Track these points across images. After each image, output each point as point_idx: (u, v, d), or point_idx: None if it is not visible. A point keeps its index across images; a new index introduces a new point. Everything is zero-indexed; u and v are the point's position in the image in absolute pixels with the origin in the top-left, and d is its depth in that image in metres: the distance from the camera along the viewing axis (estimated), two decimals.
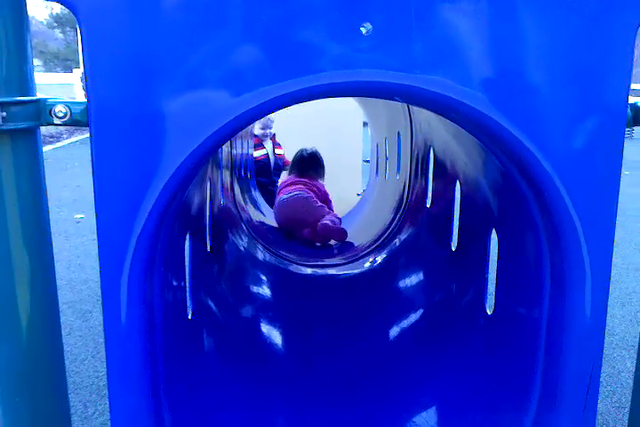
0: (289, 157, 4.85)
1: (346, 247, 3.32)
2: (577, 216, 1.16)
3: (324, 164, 4.12)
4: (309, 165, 4.00)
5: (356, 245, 3.26)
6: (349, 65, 1.05)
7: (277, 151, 5.21)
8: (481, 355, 1.63)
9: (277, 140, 5.23)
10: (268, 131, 5.05)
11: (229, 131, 1.09)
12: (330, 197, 4.06)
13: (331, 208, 3.97)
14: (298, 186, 3.83)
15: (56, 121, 1.07)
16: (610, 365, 2.68)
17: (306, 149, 4.10)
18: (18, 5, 1.05)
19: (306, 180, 3.92)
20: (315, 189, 3.89)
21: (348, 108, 4.94)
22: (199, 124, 1.06)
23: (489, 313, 1.64)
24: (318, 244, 3.50)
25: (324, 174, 4.12)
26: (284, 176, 5.04)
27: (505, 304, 1.54)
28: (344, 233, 3.45)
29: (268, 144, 5.13)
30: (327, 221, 3.50)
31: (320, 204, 3.72)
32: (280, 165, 5.23)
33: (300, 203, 3.63)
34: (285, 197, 3.71)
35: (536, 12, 1.07)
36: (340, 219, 3.71)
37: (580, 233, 1.17)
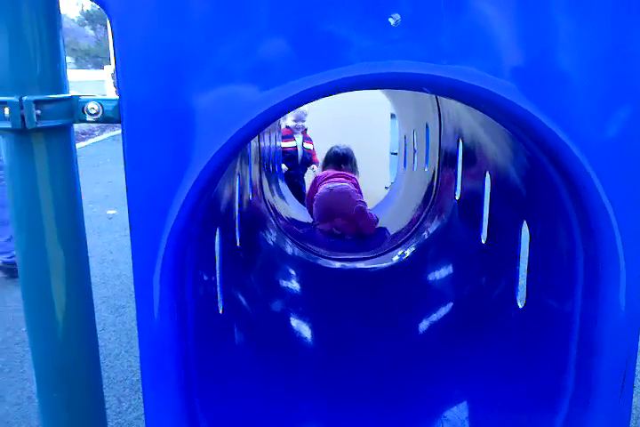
0: (318, 153, 4.86)
1: (374, 240, 3.31)
2: (610, 206, 1.14)
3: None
4: (345, 161, 4.07)
5: (384, 238, 3.25)
6: (379, 57, 1.05)
7: (306, 146, 5.22)
8: (512, 349, 1.61)
9: (308, 134, 5.23)
10: (300, 123, 5.06)
11: (259, 125, 1.09)
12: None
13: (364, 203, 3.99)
14: (341, 179, 3.89)
15: (89, 118, 1.09)
16: None
17: (339, 146, 4.17)
18: (51, 5, 1.06)
19: (345, 173, 3.98)
20: (355, 182, 3.94)
21: (376, 101, 4.91)
22: (229, 119, 1.06)
23: (520, 306, 1.62)
24: (349, 236, 3.51)
25: (358, 171, 4.17)
26: (315, 171, 5.08)
27: (537, 297, 1.52)
28: (374, 223, 3.47)
29: (299, 137, 5.14)
30: (364, 206, 3.54)
31: (360, 199, 3.75)
32: (308, 159, 5.23)
33: (344, 194, 3.68)
34: (330, 186, 3.75)
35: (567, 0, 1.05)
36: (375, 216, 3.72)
37: (614, 223, 1.15)
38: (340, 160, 4.08)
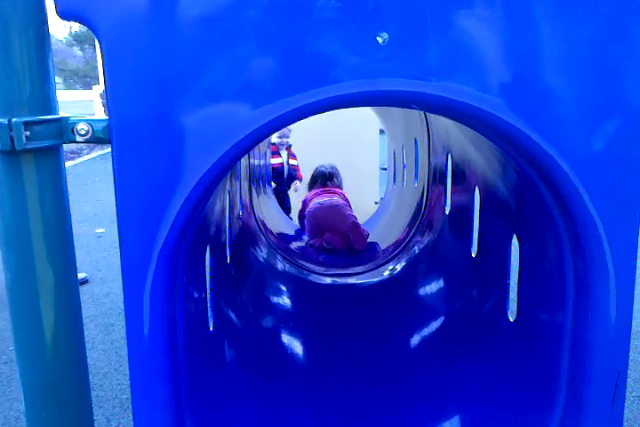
0: (307, 169, 4.90)
1: (366, 255, 3.31)
2: (599, 219, 1.15)
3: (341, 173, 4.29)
4: (330, 178, 4.20)
5: (374, 253, 3.25)
6: (367, 75, 1.06)
7: (292, 162, 5.27)
8: (504, 362, 1.61)
9: (293, 150, 5.29)
10: (285, 140, 5.14)
11: (249, 143, 1.09)
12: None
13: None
14: (329, 194, 3.98)
15: (78, 139, 1.09)
16: (635, 370, 2.64)
17: (324, 166, 4.30)
18: (40, 27, 1.07)
19: (332, 189, 4.09)
20: (344, 197, 3.99)
21: (365, 117, 4.95)
22: (219, 138, 1.07)
23: (511, 320, 1.62)
24: (340, 251, 3.52)
25: (342, 188, 4.29)
26: (297, 187, 5.15)
27: (528, 310, 1.52)
28: (365, 238, 3.50)
29: (284, 153, 5.19)
30: (356, 221, 3.59)
31: (350, 212, 3.80)
32: (292, 175, 5.29)
33: (334, 208, 3.74)
34: (321, 201, 3.83)
35: (553, 15, 1.06)
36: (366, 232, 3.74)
37: (603, 236, 1.15)
38: (327, 178, 4.21)
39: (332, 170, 4.26)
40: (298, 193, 5.16)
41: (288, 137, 5.15)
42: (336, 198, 3.88)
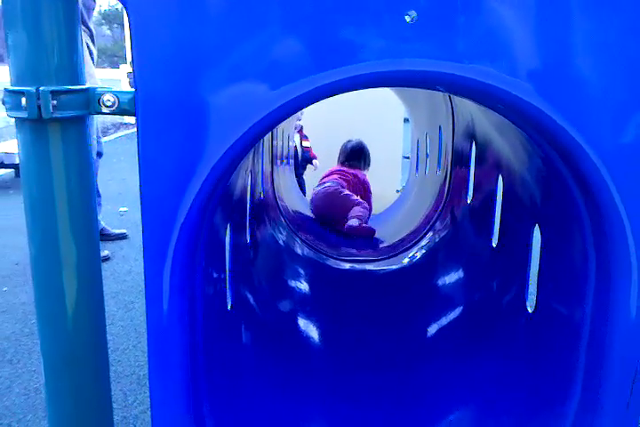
0: (330, 154, 4.90)
1: (382, 242, 3.31)
2: (625, 212, 1.13)
3: (369, 154, 4.25)
4: (352, 154, 4.18)
5: (393, 240, 3.24)
6: (394, 54, 1.04)
7: (305, 144, 5.26)
8: (521, 354, 1.60)
9: (304, 132, 5.27)
10: (297, 122, 5.09)
11: (271, 121, 1.09)
12: (369, 186, 4.16)
13: (368, 197, 4.05)
14: (332, 177, 4.00)
15: (104, 110, 1.09)
16: None
17: (350, 141, 4.28)
18: None
19: (344, 169, 4.08)
20: (349, 177, 4.03)
21: (389, 104, 4.91)
22: (242, 115, 1.06)
23: (530, 311, 1.61)
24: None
25: (369, 164, 4.27)
26: (316, 166, 5.21)
27: (547, 302, 1.51)
28: (370, 231, 3.51)
29: (296, 136, 5.18)
30: (353, 222, 3.57)
31: (347, 192, 3.82)
32: (307, 157, 5.28)
33: (329, 196, 3.75)
34: (318, 189, 3.86)
35: (585, 2, 1.04)
36: (368, 209, 3.77)
37: (628, 229, 1.14)
38: (349, 154, 4.19)
39: (356, 145, 4.22)
40: (317, 170, 5.15)
41: (300, 119, 5.12)
42: (334, 182, 3.86)
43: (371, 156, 4.45)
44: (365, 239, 3.49)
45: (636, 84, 1.08)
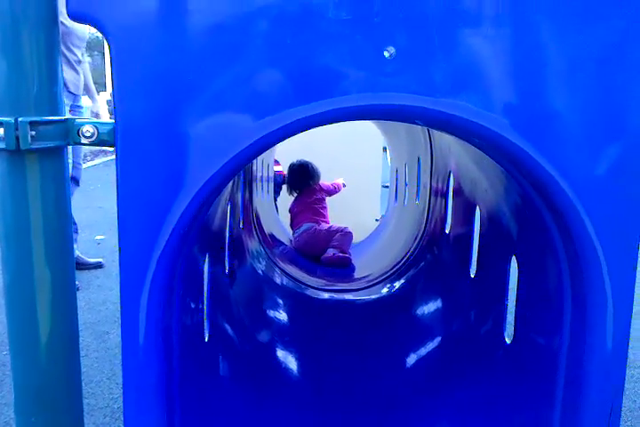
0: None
1: (361, 272, 3.31)
2: (599, 243, 1.14)
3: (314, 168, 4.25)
4: (300, 176, 4.20)
5: (372, 270, 3.24)
6: (373, 88, 1.06)
7: (276, 168, 5.27)
8: (499, 384, 1.60)
9: (275, 157, 5.28)
10: (275, 149, 5.10)
11: (252, 153, 1.10)
12: (334, 187, 4.25)
13: (336, 187, 4.18)
14: (306, 215, 4.01)
15: (83, 141, 1.09)
16: (630, 399, 2.61)
17: (293, 163, 4.31)
18: (51, 28, 1.08)
19: (306, 199, 4.09)
20: (318, 203, 4.07)
21: (369, 133, 4.96)
22: (223, 146, 1.07)
23: (508, 342, 1.61)
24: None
25: (319, 176, 4.26)
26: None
27: (525, 333, 1.51)
28: (343, 260, 3.58)
29: None
30: (327, 253, 3.66)
31: (325, 227, 3.90)
32: (279, 181, 5.29)
33: (311, 238, 3.83)
34: (300, 231, 3.91)
35: (558, 37, 1.07)
36: (348, 232, 3.82)
37: (602, 260, 1.15)
38: (299, 175, 4.21)
39: (301, 167, 4.22)
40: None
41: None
42: (312, 223, 3.93)
43: (351, 184, 4.49)
44: (344, 269, 3.50)
45: (608, 120, 1.11)
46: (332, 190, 4.26)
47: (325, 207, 4.15)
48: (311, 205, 4.08)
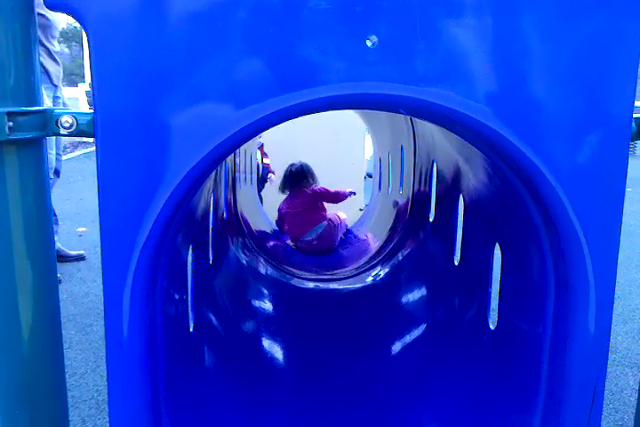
0: (276, 167, 4.91)
1: (348, 259, 3.32)
2: (581, 230, 1.15)
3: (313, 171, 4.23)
4: (301, 177, 4.12)
5: (357, 259, 3.25)
6: (355, 77, 1.06)
7: (265, 161, 5.24)
8: (484, 370, 1.61)
9: (264, 150, 5.26)
10: (258, 140, 5.07)
11: (234, 143, 1.09)
12: (329, 190, 4.17)
13: (337, 194, 4.14)
14: (309, 215, 3.96)
15: (62, 131, 1.08)
16: (612, 382, 2.65)
17: (293, 164, 4.22)
18: (27, 18, 1.06)
19: (303, 200, 4.03)
20: (318, 202, 4.00)
21: (351, 123, 4.95)
22: (204, 136, 1.06)
23: (492, 328, 1.63)
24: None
25: (316, 180, 4.22)
26: (272, 179, 5.14)
27: (508, 319, 1.53)
28: (318, 246, 3.66)
29: (257, 153, 5.15)
30: (306, 237, 3.75)
31: (340, 220, 3.97)
32: (266, 173, 5.25)
33: (323, 236, 3.83)
34: (318, 231, 3.88)
35: (540, 26, 1.07)
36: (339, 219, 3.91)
37: (585, 248, 1.16)
38: (297, 177, 4.13)
39: (302, 168, 4.17)
40: (273, 184, 5.09)
41: (261, 136, 5.08)
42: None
43: (334, 174, 4.47)
44: (330, 258, 3.50)
45: (588, 107, 1.11)
46: (335, 196, 4.16)
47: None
48: (310, 204, 4.05)
